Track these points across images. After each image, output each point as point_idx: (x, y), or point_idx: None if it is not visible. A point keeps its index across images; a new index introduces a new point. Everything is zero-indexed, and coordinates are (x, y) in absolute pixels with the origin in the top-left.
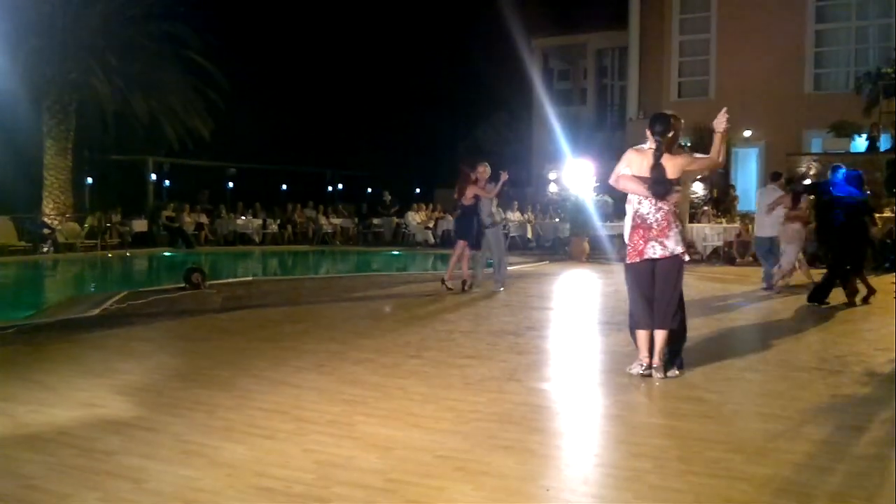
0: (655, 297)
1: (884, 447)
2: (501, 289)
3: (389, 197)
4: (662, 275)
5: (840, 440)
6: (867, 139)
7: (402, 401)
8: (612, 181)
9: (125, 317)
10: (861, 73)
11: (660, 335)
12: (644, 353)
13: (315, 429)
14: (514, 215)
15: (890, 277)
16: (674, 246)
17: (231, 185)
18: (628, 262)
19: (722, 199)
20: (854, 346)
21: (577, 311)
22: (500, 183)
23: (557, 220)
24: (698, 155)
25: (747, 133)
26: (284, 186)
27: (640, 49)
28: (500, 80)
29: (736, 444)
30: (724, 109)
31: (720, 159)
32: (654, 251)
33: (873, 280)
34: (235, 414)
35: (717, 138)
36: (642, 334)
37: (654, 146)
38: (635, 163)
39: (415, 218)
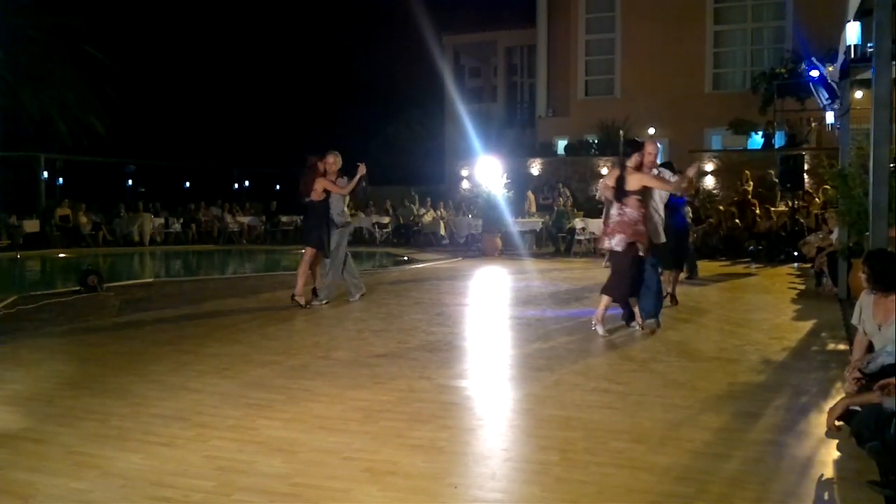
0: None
1: (778, 433)
2: (325, 302)
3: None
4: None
5: (737, 427)
6: (763, 136)
7: (309, 403)
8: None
9: (14, 322)
10: (756, 73)
11: (604, 299)
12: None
13: (216, 434)
14: (427, 212)
15: (785, 269)
16: (611, 244)
17: (130, 182)
18: None
19: None
20: (750, 335)
21: (488, 306)
22: (356, 178)
23: (470, 216)
24: (663, 177)
25: (651, 130)
26: (188, 184)
27: (549, 48)
28: (411, 77)
29: (639, 433)
30: (697, 164)
31: (682, 188)
32: (604, 244)
33: (769, 271)
34: (131, 422)
35: (684, 178)
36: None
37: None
38: (612, 178)
39: None
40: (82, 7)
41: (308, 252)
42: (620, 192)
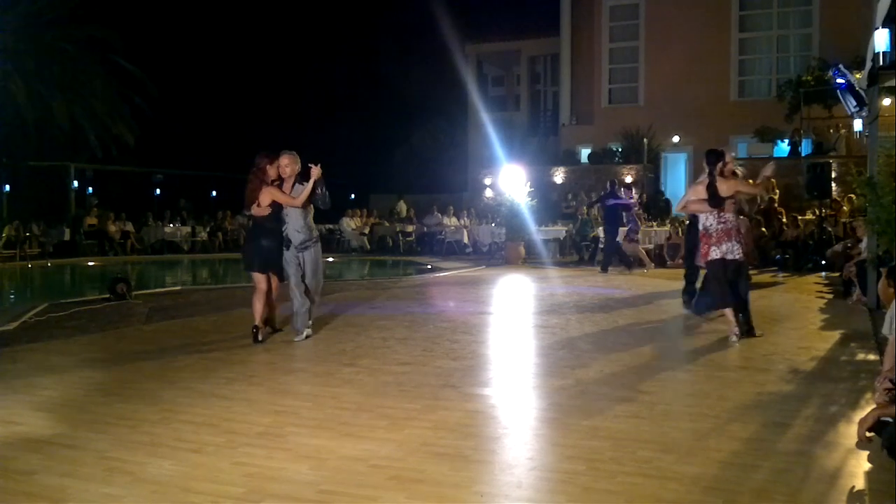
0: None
1: (807, 444)
2: (305, 335)
3: (96, 201)
4: (731, 269)
5: (765, 437)
6: (789, 144)
7: (335, 410)
8: (678, 209)
9: (45, 329)
10: (783, 81)
11: (729, 312)
12: (734, 325)
13: (245, 441)
14: (450, 220)
15: (813, 278)
16: (721, 254)
17: (158, 191)
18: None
19: (653, 204)
20: (779, 344)
21: (512, 314)
22: (309, 184)
23: (493, 224)
24: (746, 182)
25: (676, 139)
26: (214, 193)
27: (572, 56)
28: (435, 86)
29: (666, 443)
30: (772, 162)
31: (758, 192)
32: (712, 254)
33: (797, 280)
34: (161, 428)
35: (762, 180)
36: (730, 312)
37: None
38: (698, 191)
39: (349, 224)
40: (113, 19)
41: (262, 280)
42: (716, 200)
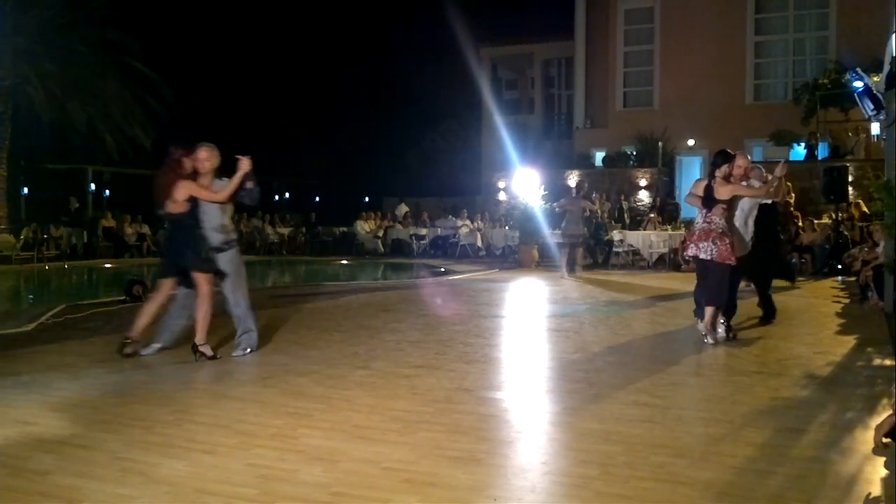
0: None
1: (822, 450)
2: (247, 351)
3: (77, 205)
4: (703, 269)
5: (780, 443)
6: (805, 147)
7: (348, 412)
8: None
9: (62, 331)
10: (799, 84)
11: (707, 310)
12: (707, 323)
13: (258, 442)
14: (463, 223)
15: (829, 282)
16: (696, 251)
17: None
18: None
19: (665, 208)
20: (793, 349)
21: (525, 318)
22: (236, 176)
23: (507, 228)
24: (754, 185)
25: (691, 142)
26: None
27: (586, 59)
28: (449, 89)
29: (680, 448)
30: (783, 162)
31: (771, 192)
32: (689, 251)
33: (813, 284)
34: (175, 429)
35: (772, 180)
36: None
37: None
38: (698, 187)
39: (363, 227)
40: (128, 22)
41: (167, 284)
42: (709, 201)
